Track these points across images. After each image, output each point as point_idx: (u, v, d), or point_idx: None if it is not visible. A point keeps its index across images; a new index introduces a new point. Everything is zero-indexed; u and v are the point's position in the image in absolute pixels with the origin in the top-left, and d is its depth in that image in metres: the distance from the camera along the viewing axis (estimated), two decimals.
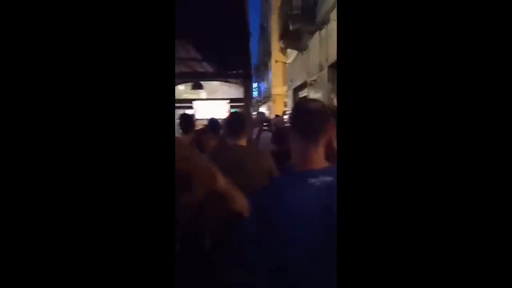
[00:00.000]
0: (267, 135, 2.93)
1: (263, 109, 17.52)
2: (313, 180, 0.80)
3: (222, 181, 0.94)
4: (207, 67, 4.57)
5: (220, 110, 4.17)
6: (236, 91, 4.21)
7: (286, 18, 7.59)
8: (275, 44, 13.87)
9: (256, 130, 3.16)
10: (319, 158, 0.85)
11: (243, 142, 1.48)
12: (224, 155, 1.42)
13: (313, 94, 7.76)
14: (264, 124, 3.62)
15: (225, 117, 2.43)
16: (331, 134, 0.86)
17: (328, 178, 0.79)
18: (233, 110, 3.82)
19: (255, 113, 6.15)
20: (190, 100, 4.39)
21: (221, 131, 2.29)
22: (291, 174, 0.91)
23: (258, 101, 21.90)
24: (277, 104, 16.70)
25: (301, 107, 0.95)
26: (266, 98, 21.18)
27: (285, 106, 14.09)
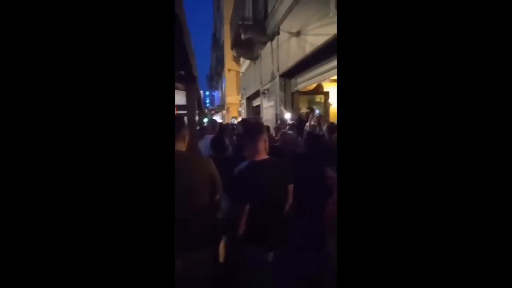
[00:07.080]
0: (206, 143, 2.88)
1: (217, 117, 17.42)
2: (267, 164, 1.48)
3: None
4: None
5: None
6: (182, 98, 4.04)
7: (237, 27, 7.70)
8: (228, 53, 13.95)
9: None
10: (263, 152, 1.51)
11: (181, 146, 1.42)
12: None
13: (266, 102, 7.93)
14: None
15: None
16: (266, 138, 1.51)
17: (275, 161, 1.54)
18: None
19: (206, 120, 6.10)
20: None
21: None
22: (252, 161, 1.47)
23: (210, 110, 21.77)
24: (231, 112, 16.73)
25: (246, 123, 1.76)
26: (220, 106, 21.11)
27: (239, 114, 14.13)
